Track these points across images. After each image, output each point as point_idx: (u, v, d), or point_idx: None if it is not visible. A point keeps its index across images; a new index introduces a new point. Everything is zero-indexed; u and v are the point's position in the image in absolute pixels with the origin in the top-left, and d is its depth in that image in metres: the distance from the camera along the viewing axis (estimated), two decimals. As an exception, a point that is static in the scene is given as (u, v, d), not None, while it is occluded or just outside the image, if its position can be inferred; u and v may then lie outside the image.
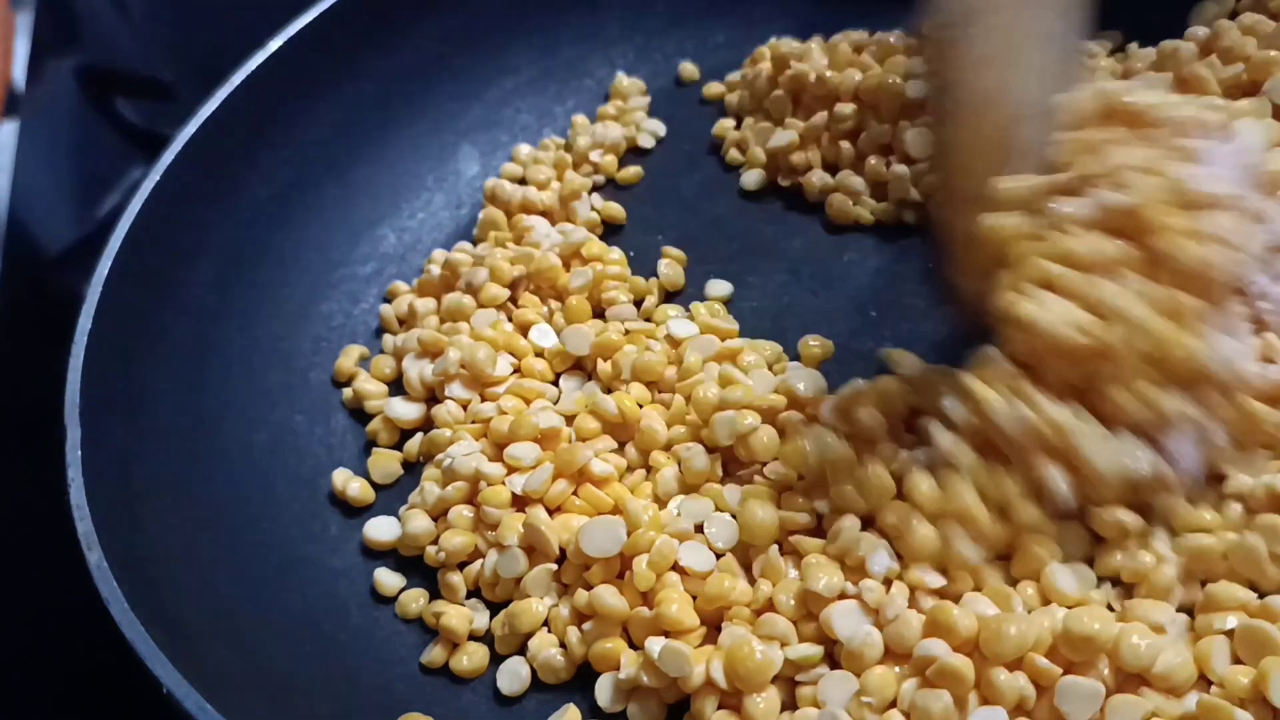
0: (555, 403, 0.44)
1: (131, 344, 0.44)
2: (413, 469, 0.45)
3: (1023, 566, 0.35)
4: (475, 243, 0.52)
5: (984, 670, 0.32)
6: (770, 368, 0.43)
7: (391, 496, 0.44)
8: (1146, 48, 0.49)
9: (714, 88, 0.58)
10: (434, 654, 0.39)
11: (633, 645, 0.36)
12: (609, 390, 0.43)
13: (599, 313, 0.47)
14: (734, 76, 0.57)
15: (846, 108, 0.50)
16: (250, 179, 0.51)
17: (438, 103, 0.56)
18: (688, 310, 0.46)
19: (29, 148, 0.61)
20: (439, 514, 0.41)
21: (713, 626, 0.36)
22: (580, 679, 0.37)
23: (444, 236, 0.54)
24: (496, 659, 0.39)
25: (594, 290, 0.47)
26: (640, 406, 0.42)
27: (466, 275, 0.48)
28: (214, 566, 0.40)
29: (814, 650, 0.34)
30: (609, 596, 0.36)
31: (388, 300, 0.51)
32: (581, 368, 0.46)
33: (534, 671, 0.38)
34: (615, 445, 0.42)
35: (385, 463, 0.45)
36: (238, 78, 0.50)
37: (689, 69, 0.59)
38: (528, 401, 0.44)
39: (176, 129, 0.49)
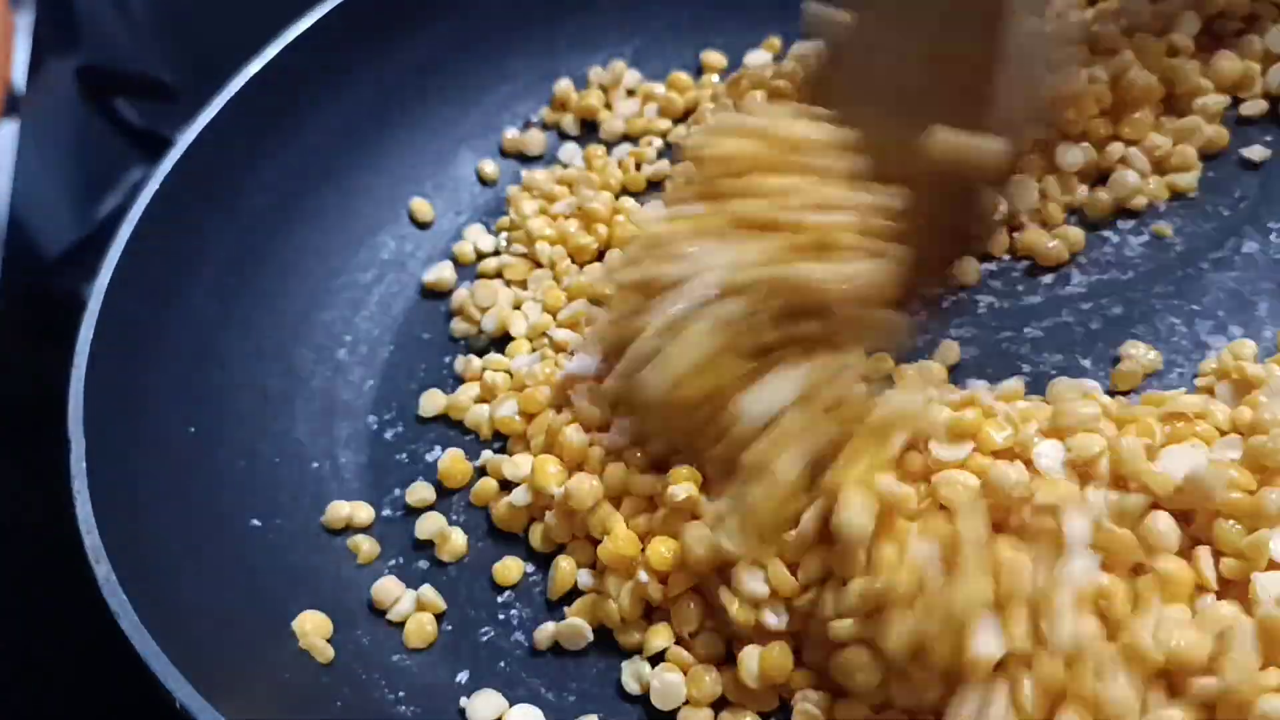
0: None
1: (133, 354, 0.44)
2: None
3: None
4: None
5: None
6: None
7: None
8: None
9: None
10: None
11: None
12: None
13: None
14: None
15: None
16: (249, 186, 0.51)
17: (437, 109, 0.56)
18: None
19: (29, 148, 0.61)
20: None
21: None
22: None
23: (444, 243, 0.54)
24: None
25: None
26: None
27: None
28: (220, 576, 0.40)
29: None
30: None
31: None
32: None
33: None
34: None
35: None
36: (236, 84, 0.50)
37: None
38: None
39: (177, 131, 0.49)
